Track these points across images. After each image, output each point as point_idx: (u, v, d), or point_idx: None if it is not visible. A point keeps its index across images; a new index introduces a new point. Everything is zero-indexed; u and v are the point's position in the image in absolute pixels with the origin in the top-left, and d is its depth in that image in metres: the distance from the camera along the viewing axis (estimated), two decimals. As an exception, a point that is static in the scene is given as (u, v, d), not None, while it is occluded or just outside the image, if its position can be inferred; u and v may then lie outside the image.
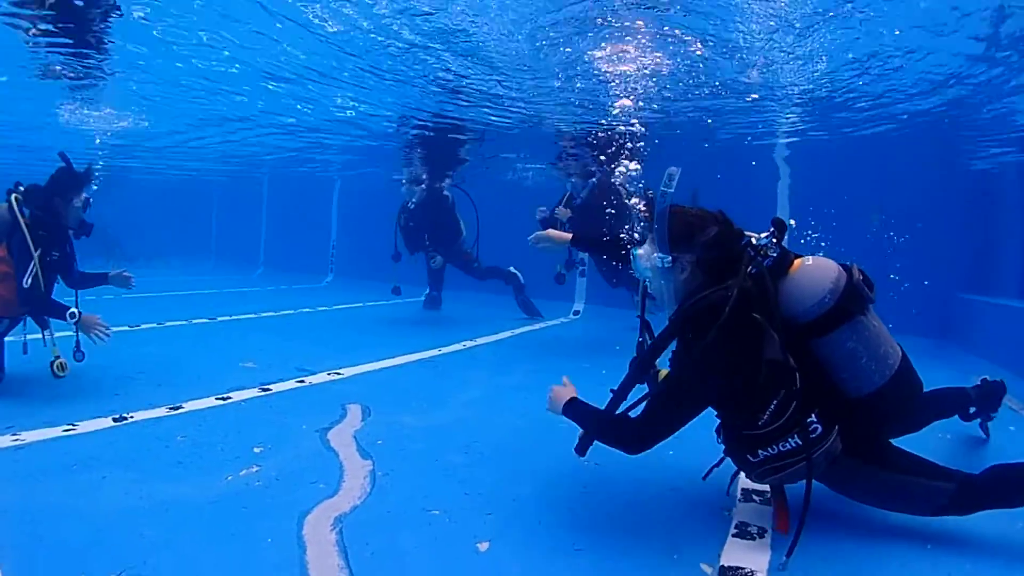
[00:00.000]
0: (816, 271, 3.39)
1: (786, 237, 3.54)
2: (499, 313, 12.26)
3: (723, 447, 3.72)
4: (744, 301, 3.22)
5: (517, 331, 10.68)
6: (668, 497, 4.01)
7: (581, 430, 3.71)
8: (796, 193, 12.81)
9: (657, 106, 9.42)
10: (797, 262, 3.46)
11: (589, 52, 7.25)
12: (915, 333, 10.16)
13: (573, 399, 3.69)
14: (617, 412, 3.62)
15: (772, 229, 3.50)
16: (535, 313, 12.12)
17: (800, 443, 3.28)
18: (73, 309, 5.73)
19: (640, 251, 3.63)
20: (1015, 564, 3.30)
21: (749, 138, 11.18)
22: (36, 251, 5.54)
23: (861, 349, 3.33)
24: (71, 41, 7.61)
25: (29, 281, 5.51)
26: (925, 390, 4.15)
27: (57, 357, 5.74)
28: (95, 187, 6.13)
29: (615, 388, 3.70)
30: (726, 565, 3.21)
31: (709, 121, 10.13)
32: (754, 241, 3.50)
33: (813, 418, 3.32)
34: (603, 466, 4.36)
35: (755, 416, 3.32)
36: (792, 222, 3.58)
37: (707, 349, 3.18)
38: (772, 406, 3.27)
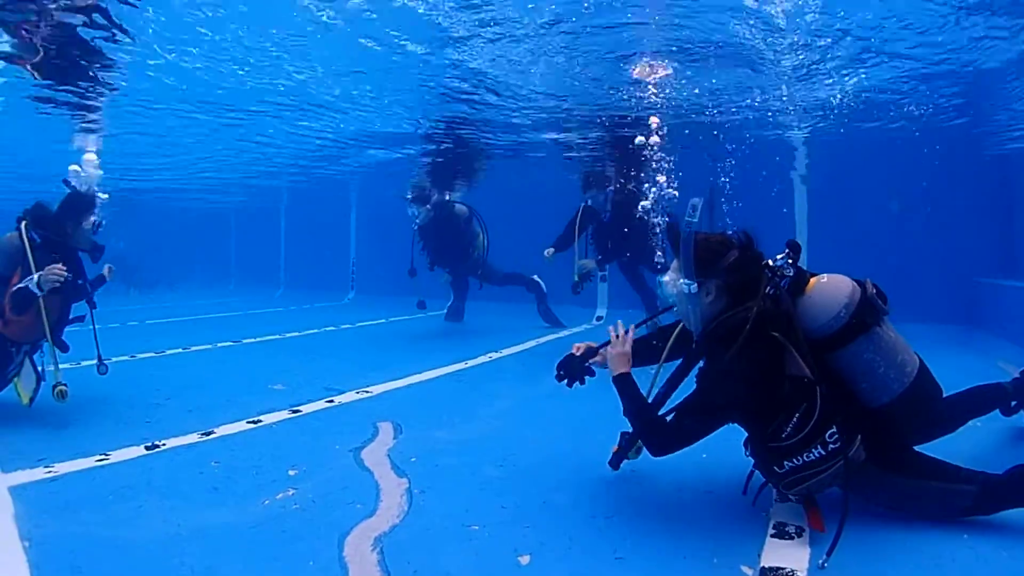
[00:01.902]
0: (831, 287, 3.56)
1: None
2: (521, 323, 12.27)
3: (751, 460, 3.84)
4: (763, 320, 3.39)
5: (541, 340, 10.69)
6: (704, 500, 4.01)
7: (616, 447, 4.03)
8: (813, 186, 12.77)
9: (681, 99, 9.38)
10: (812, 280, 3.63)
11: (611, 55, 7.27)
12: (941, 320, 10.13)
13: (628, 374, 3.83)
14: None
15: (787, 251, 3.65)
16: (556, 322, 12.12)
17: (823, 453, 3.41)
18: (31, 276, 5.60)
19: (666, 277, 3.78)
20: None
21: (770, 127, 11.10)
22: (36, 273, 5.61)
23: (879, 359, 3.47)
24: (72, 86, 7.75)
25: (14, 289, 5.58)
26: (962, 389, 4.43)
27: (59, 383, 5.74)
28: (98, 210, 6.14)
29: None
30: (766, 566, 3.20)
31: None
32: (771, 263, 3.64)
33: (835, 428, 3.41)
34: (638, 472, 4.37)
35: (779, 429, 3.46)
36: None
37: (729, 367, 3.36)
38: (795, 419, 3.41)
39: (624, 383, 3.78)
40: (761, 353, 3.37)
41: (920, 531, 3.51)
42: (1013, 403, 4.85)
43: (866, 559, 3.24)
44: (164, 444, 5.20)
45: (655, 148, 10.28)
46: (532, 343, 10.36)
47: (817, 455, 3.41)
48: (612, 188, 10.32)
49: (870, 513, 3.71)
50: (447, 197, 12.34)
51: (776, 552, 3.35)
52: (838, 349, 3.49)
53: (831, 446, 3.39)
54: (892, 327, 3.58)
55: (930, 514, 3.59)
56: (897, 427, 3.59)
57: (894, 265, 10.72)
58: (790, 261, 3.62)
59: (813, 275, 3.67)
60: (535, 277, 12.12)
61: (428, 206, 11.46)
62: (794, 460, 3.46)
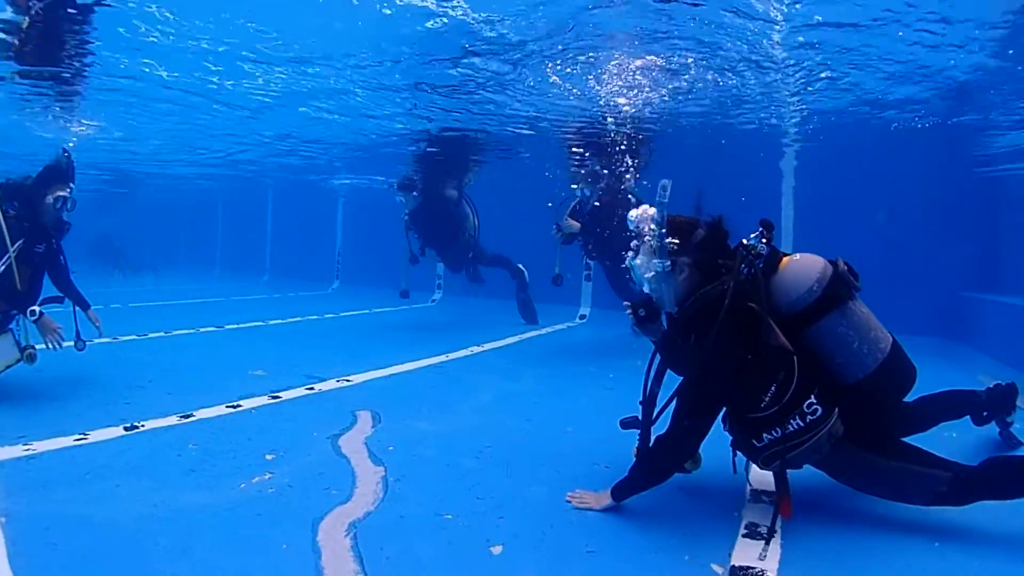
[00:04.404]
0: (803, 264, 3.65)
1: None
2: (506, 319, 12.28)
3: (730, 438, 3.92)
4: (740, 293, 3.47)
5: (524, 336, 10.72)
6: (678, 499, 4.03)
7: (636, 448, 3.93)
8: (800, 194, 12.79)
9: (658, 105, 9.40)
10: (785, 259, 3.71)
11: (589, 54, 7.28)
12: (922, 332, 10.19)
13: (613, 488, 3.83)
14: (652, 420, 3.90)
15: (761, 229, 3.74)
16: (532, 318, 12.20)
17: (802, 425, 3.50)
18: (35, 307, 5.78)
19: (637, 261, 3.85)
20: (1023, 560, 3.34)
21: (760, 127, 11.10)
22: (15, 243, 5.64)
23: (852, 333, 3.54)
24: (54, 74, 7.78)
25: (1, 268, 5.59)
26: (936, 391, 4.49)
27: (29, 346, 5.80)
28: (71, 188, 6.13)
29: (643, 400, 3.94)
30: (737, 565, 3.23)
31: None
32: (745, 242, 3.72)
33: (813, 400, 3.52)
34: (612, 468, 4.39)
35: (757, 399, 3.53)
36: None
37: (714, 342, 3.41)
38: (772, 389, 3.50)
39: (621, 489, 3.80)
40: (740, 324, 3.44)
41: (892, 538, 3.55)
42: (985, 413, 4.85)
43: (838, 567, 3.27)
44: (143, 425, 5.20)
45: (635, 151, 10.35)
46: (515, 339, 10.38)
47: (795, 427, 3.50)
48: (601, 187, 10.30)
49: (841, 513, 3.78)
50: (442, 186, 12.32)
51: (747, 552, 3.38)
52: (813, 324, 3.56)
53: (809, 417, 3.49)
54: (864, 305, 3.66)
55: (903, 496, 3.64)
56: (874, 404, 3.66)
57: (877, 276, 10.71)
58: (764, 240, 3.70)
59: (786, 255, 3.75)
60: (520, 266, 12.16)
61: (415, 192, 11.47)
62: (773, 432, 3.55)
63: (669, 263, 3.64)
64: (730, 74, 7.59)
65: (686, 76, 7.81)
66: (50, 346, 5.89)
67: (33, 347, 5.81)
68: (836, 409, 3.57)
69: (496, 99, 9.00)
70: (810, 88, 8.11)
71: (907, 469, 3.55)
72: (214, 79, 8.58)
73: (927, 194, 11.23)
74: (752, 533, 3.57)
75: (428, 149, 12.51)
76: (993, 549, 3.43)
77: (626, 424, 4.21)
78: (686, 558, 3.31)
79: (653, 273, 3.72)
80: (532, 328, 11.62)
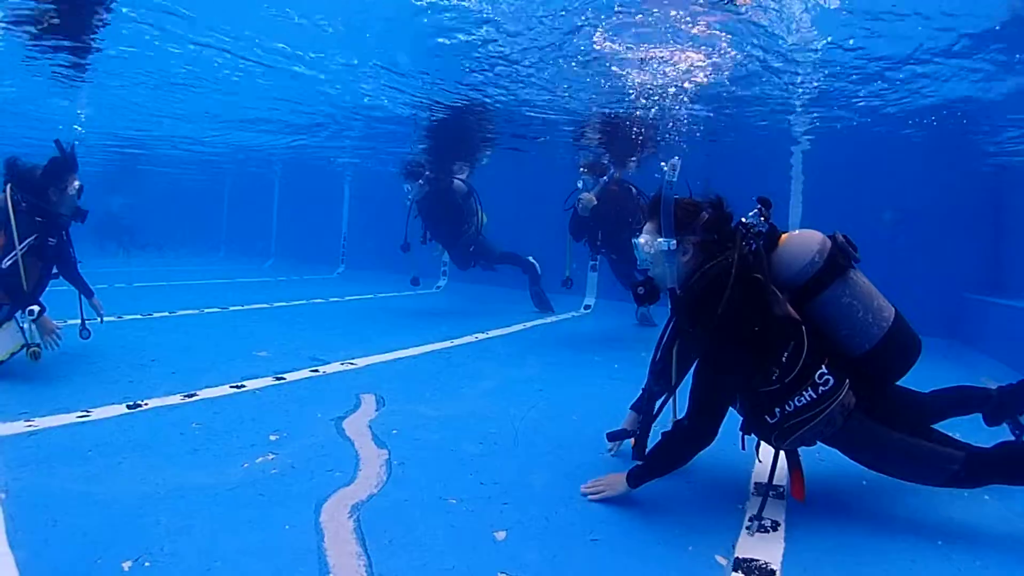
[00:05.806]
0: (803, 237, 3.70)
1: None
2: (511, 307, 12.29)
3: (741, 418, 3.89)
4: (745, 266, 3.50)
5: (529, 324, 10.68)
6: (682, 489, 4.02)
7: (634, 440, 4.09)
8: (809, 192, 12.76)
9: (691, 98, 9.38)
10: (784, 235, 3.74)
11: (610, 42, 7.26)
12: (924, 333, 10.15)
13: (628, 473, 3.78)
14: (655, 411, 4.06)
15: (759, 207, 3.75)
16: (547, 308, 12.15)
17: (814, 396, 3.49)
18: (34, 307, 5.75)
19: (641, 239, 3.84)
20: (1026, 561, 3.34)
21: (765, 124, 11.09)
22: (25, 238, 5.63)
23: (856, 303, 3.56)
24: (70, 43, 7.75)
25: (8, 264, 5.57)
26: (948, 386, 4.45)
27: (31, 344, 5.79)
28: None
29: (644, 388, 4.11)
30: (740, 557, 3.22)
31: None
32: (744, 220, 3.75)
33: (824, 369, 3.52)
34: (618, 456, 4.38)
35: (768, 373, 3.52)
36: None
37: (721, 315, 3.41)
38: (783, 360, 3.49)
39: (639, 474, 3.75)
40: (746, 297, 3.44)
41: (896, 536, 3.53)
42: (997, 412, 4.81)
43: (841, 562, 3.25)
44: (146, 404, 5.20)
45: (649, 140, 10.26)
46: (519, 327, 10.35)
47: (808, 399, 3.49)
48: (606, 179, 10.18)
49: (846, 509, 3.77)
50: (451, 178, 12.23)
51: (751, 544, 3.37)
52: (816, 295, 3.58)
53: (821, 388, 3.48)
54: (864, 276, 3.69)
55: (916, 475, 3.61)
56: (882, 375, 3.68)
57: (882, 277, 10.64)
58: (763, 218, 3.72)
59: (784, 232, 3.77)
60: (530, 259, 12.14)
61: (421, 181, 11.39)
62: (785, 406, 3.54)
63: (675, 242, 3.64)
64: (748, 70, 7.56)
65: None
66: (48, 347, 5.88)
67: (38, 345, 5.79)
68: (847, 380, 3.56)
69: (515, 75, 8.95)
70: (822, 84, 8.08)
71: (920, 445, 3.53)
72: (225, 58, 8.56)
73: (932, 196, 11.21)
74: (757, 525, 3.56)
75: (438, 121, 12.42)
76: (996, 550, 3.42)
77: (613, 436, 4.24)
78: (690, 549, 3.30)
79: (656, 252, 3.73)
80: (538, 316, 11.59)
